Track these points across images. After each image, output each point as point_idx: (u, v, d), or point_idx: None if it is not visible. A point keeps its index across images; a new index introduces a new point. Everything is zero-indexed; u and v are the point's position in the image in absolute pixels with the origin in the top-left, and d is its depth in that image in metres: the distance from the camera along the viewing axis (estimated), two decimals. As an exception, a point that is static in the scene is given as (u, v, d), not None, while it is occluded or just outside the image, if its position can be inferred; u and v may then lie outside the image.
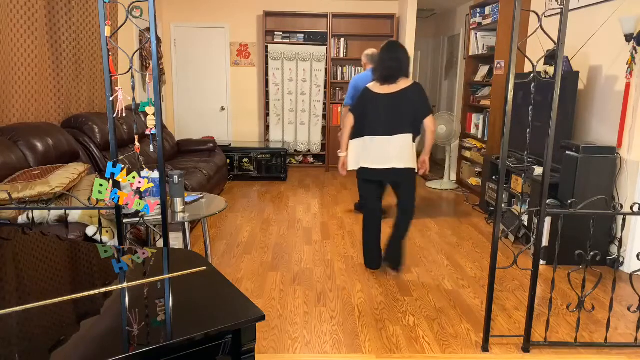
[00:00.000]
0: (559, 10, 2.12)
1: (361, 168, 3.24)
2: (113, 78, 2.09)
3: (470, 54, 5.90)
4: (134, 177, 2.08)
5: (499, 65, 5.08)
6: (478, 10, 5.66)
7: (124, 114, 2.26)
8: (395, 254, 3.35)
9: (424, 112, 3.15)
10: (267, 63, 6.88)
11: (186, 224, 2.90)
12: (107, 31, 2.02)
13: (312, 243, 4.00)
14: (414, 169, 3.23)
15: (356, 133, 3.25)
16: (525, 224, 4.00)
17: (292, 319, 2.73)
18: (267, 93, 6.98)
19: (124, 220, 2.42)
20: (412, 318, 2.77)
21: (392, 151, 3.14)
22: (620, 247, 2.41)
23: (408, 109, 3.13)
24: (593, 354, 2.43)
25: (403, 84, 3.16)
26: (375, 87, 3.20)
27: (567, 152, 3.61)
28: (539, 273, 3.34)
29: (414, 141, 3.20)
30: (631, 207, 2.31)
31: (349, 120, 3.27)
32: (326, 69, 6.91)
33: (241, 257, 3.65)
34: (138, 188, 2.10)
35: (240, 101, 7.25)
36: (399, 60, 3.14)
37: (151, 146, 2.17)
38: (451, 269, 3.51)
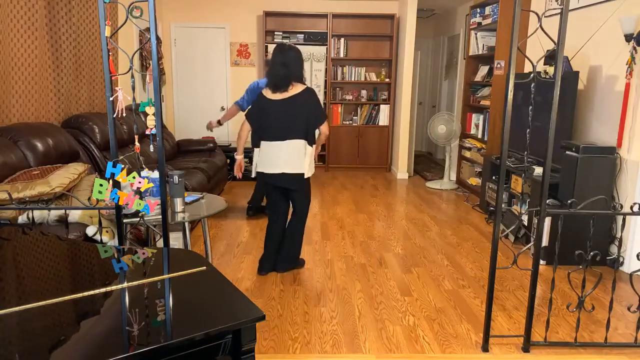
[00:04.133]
0: (559, 10, 2.12)
1: (259, 172, 3.25)
2: (113, 78, 2.09)
3: (470, 54, 5.90)
4: (134, 177, 2.08)
5: (499, 65, 5.08)
6: (478, 10, 5.66)
7: (124, 114, 2.26)
8: (282, 260, 3.36)
9: (318, 120, 3.17)
10: (267, 63, 6.87)
11: (186, 224, 2.90)
12: (107, 31, 2.02)
13: (312, 243, 4.00)
14: (304, 174, 3.19)
15: (256, 140, 3.24)
16: (525, 224, 4.00)
17: (292, 319, 2.73)
18: (267, 93, 6.97)
19: (124, 220, 2.42)
20: (412, 318, 2.77)
21: (283, 156, 3.13)
22: (620, 247, 2.41)
23: (300, 114, 3.11)
24: (593, 354, 2.43)
25: (295, 89, 3.13)
26: (268, 93, 3.17)
27: (567, 152, 3.61)
28: (539, 273, 3.33)
29: (311, 145, 3.19)
30: (631, 207, 2.31)
31: (244, 128, 3.25)
32: (326, 69, 6.91)
33: (241, 257, 3.65)
34: (138, 188, 2.10)
35: (240, 101, 7.24)
36: (286, 66, 3.11)
37: (151, 146, 2.17)
38: (451, 269, 3.51)
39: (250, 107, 3.22)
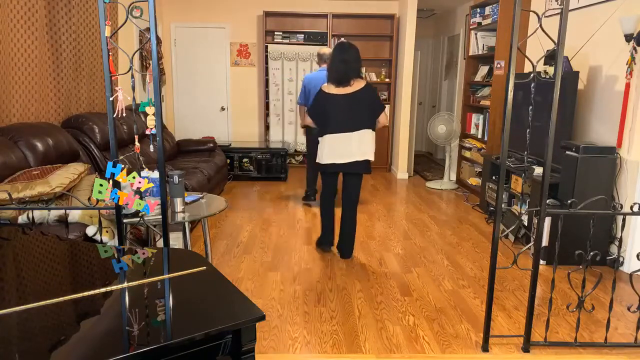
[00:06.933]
0: (559, 10, 2.12)
1: (325, 166, 3.53)
2: (113, 78, 2.09)
3: (470, 54, 5.90)
4: (134, 177, 2.08)
5: (499, 65, 5.08)
6: (478, 10, 5.66)
7: (124, 114, 2.26)
8: (348, 245, 3.66)
9: (378, 110, 3.49)
10: (267, 63, 6.88)
11: (186, 224, 2.90)
12: (107, 31, 2.02)
13: (312, 243, 4.00)
14: (370, 160, 3.54)
15: (320, 132, 3.54)
16: (525, 224, 4.00)
17: (292, 319, 2.73)
18: (267, 93, 6.98)
19: (124, 220, 2.42)
20: (412, 318, 2.77)
21: (356, 146, 3.44)
22: (620, 247, 2.41)
23: (364, 107, 3.43)
24: (593, 354, 2.43)
25: (357, 85, 3.43)
26: (331, 89, 3.46)
27: (567, 152, 3.61)
28: (539, 273, 3.34)
29: (374, 130, 3.53)
30: (631, 207, 2.31)
31: (307, 119, 3.59)
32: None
33: (241, 257, 3.65)
34: (138, 188, 2.10)
35: (240, 101, 7.25)
36: (347, 62, 3.40)
37: (151, 146, 2.17)
38: (451, 269, 3.51)
39: (312, 104, 3.55)
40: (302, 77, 6.86)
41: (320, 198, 3.80)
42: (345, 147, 3.43)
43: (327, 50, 4.86)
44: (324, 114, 3.46)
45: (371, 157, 3.51)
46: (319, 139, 3.56)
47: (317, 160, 3.59)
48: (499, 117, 5.16)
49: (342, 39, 3.81)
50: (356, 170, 3.51)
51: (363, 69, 7.06)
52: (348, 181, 3.61)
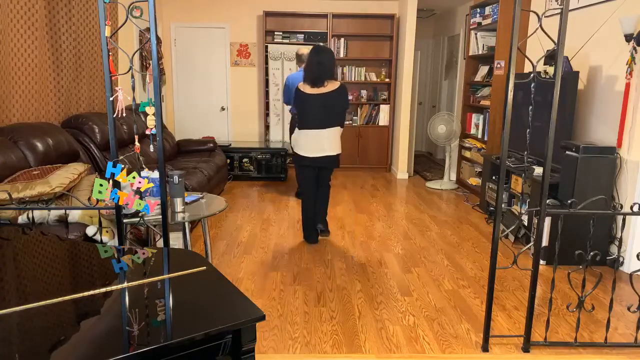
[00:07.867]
0: (559, 10, 2.12)
1: (300, 157, 3.83)
2: (113, 78, 2.09)
3: (470, 54, 5.90)
4: (134, 177, 2.08)
5: (499, 65, 5.08)
6: (478, 10, 5.66)
7: (124, 114, 2.26)
8: (322, 219, 4.05)
9: (346, 109, 3.86)
10: (267, 63, 6.87)
11: (186, 224, 2.90)
12: (107, 31, 2.02)
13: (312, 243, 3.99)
14: (339, 154, 3.88)
15: (297, 125, 3.85)
16: (525, 224, 4.00)
17: (292, 319, 2.73)
18: (267, 93, 6.98)
19: (124, 220, 2.42)
20: (412, 318, 2.77)
21: (326, 142, 3.76)
22: (620, 247, 2.41)
23: (335, 107, 3.74)
24: (593, 354, 2.43)
25: (331, 86, 3.71)
26: (307, 88, 3.74)
27: (567, 152, 3.61)
28: (539, 273, 3.33)
29: (342, 127, 3.88)
30: (631, 207, 2.31)
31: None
32: (326, 69, 6.90)
33: (241, 257, 3.65)
34: (138, 188, 2.10)
35: (240, 101, 7.25)
36: (322, 64, 3.67)
37: (151, 146, 2.17)
38: (451, 269, 3.51)
39: (294, 98, 3.90)
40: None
41: (302, 199, 4.00)
42: (317, 143, 3.74)
43: (305, 50, 4.97)
44: (300, 110, 3.79)
45: (339, 151, 3.85)
46: (296, 130, 3.85)
47: (294, 149, 3.87)
48: (499, 117, 5.16)
49: (318, 44, 4.20)
50: (327, 164, 3.83)
51: (363, 70, 7.07)
52: (320, 173, 3.95)
